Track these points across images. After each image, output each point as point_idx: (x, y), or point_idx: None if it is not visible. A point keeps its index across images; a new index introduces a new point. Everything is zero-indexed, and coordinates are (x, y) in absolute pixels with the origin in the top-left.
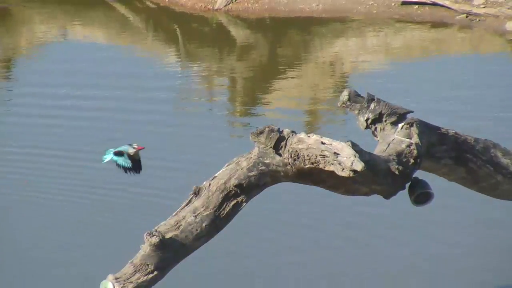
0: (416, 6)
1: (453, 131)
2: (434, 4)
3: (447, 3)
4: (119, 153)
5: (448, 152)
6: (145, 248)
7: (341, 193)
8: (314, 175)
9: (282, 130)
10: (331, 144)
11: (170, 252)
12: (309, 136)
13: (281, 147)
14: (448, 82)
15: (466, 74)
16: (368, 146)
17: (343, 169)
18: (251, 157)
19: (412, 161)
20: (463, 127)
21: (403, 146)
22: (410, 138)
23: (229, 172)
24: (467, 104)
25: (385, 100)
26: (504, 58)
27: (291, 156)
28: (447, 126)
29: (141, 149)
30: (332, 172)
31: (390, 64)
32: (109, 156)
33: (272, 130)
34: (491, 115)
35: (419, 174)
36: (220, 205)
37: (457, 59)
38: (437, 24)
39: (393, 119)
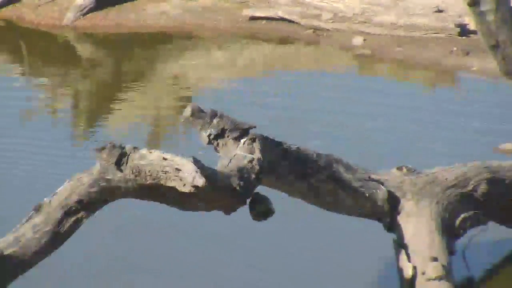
0: (264, 21)
1: (296, 147)
2: (282, 19)
3: (295, 18)
4: None
5: (290, 168)
6: None
7: (183, 209)
8: (156, 191)
9: (124, 146)
10: (173, 159)
11: (8, 268)
12: (151, 152)
13: (123, 163)
14: (293, 96)
15: (311, 88)
16: (211, 162)
17: (185, 185)
18: (93, 173)
19: (253, 176)
20: (309, 141)
21: (245, 161)
22: (252, 154)
23: (70, 188)
24: (310, 117)
25: (229, 116)
26: (350, 73)
27: (132, 172)
28: (294, 141)
29: None
30: (174, 188)
31: (235, 79)
32: None
33: (114, 146)
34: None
35: (261, 189)
36: (60, 221)
37: (303, 74)
38: (284, 39)
39: (236, 134)
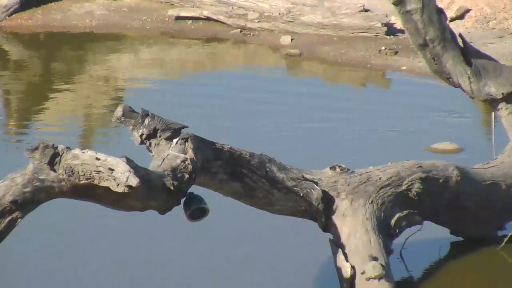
0: (190, 21)
1: (228, 146)
2: (208, 19)
3: (221, 18)
4: None
5: (224, 167)
6: None
7: (117, 209)
8: (89, 191)
9: (57, 146)
10: (106, 159)
11: None
12: (83, 152)
13: (56, 163)
14: (222, 96)
15: (240, 88)
16: (144, 162)
17: (118, 184)
18: (26, 174)
19: (187, 176)
20: (240, 141)
21: (178, 161)
22: (185, 153)
23: (4, 189)
24: (240, 117)
25: (160, 116)
26: (278, 72)
27: (65, 172)
28: (221, 139)
29: None
30: (108, 188)
31: (164, 79)
32: None
33: (46, 146)
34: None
35: (195, 189)
36: None
37: (232, 74)
38: (211, 39)
39: (168, 134)
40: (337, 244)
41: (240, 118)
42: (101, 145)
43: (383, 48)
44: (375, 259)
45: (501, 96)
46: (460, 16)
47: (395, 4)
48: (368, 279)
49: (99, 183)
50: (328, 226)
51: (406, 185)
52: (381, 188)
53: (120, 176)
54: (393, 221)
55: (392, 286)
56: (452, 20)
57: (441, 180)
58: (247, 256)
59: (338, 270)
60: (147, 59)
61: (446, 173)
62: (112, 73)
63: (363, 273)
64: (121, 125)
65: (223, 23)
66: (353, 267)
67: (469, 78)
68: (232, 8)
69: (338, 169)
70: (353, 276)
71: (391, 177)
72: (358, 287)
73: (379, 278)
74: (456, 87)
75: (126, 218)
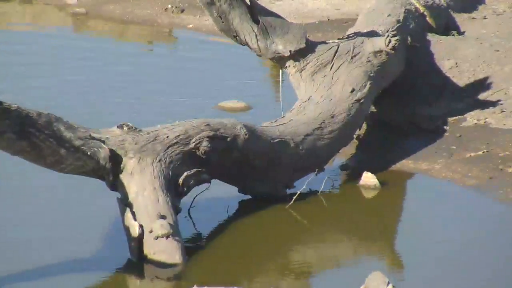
0: None
1: (16, 105)
2: None
3: None
4: None
5: (11, 127)
6: None
7: None
8: None
9: None
10: None
11: None
12: None
13: None
14: (11, 54)
15: (26, 47)
16: None
17: None
18: None
19: None
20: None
21: None
22: None
23: None
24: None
25: None
26: (65, 32)
27: None
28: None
29: None
30: None
31: None
32: None
33: None
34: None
35: None
36: None
37: (19, 33)
38: None
39: None
40: (125, 203)
41: (20, 78)
42: None
43: (169, 6)
44: (163, 217)
45: (289, 53)
46: None
47: None
48: (156, 237)
49: None
50: (116, 185)
51: (194, 143)
52: (169, 146)
53: None
54: (181, 180)
55: (180, 244)
56: None
57: (229, 139)
58: (33, 214)
59: (127, 229)
60: None
61: (234, 131)
62: None
63: (151, 231)
64: None
65: None
66: (141, 226)
67: (256, 36)
68: None
69: (125, 128)
70: (141, 234)
71: (179, 135)
72: (147, 246)
73: (167, 236)
74: (244, 45)
75: None
